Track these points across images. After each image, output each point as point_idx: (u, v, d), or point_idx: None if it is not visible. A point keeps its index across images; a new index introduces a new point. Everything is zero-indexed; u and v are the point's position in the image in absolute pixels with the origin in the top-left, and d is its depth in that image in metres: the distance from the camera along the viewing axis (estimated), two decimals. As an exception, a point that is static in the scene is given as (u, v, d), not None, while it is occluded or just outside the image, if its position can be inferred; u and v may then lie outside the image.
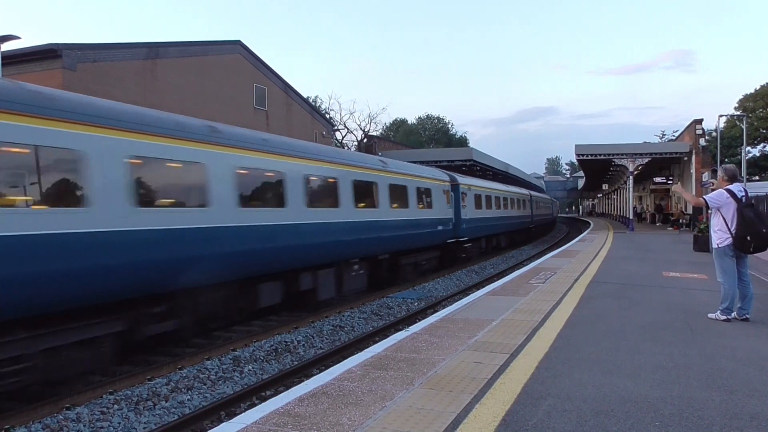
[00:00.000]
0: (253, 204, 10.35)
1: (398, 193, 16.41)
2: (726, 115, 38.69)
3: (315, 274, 12.29)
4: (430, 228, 18.85)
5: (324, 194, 12.83)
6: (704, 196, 8.03)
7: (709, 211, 8.49)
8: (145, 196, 8.20)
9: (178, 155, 8.78)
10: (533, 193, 44.76)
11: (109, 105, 8.32)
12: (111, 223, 7.50)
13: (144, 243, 7.96)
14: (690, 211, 34.78)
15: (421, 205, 18.12)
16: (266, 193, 10.97)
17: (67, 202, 7.18)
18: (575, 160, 65.51)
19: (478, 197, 24.91)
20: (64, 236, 6.88)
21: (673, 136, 73.81)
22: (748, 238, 7.49)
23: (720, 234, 7.77)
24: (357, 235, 13.83)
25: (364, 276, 14.72)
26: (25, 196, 6.74)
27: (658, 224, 40.15)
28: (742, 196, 7.66)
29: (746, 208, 7.57)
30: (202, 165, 9.18)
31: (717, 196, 7.77)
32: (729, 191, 7.71)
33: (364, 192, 14.39)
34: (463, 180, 23.72)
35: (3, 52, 18.57)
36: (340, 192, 13.12)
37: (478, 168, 39.22)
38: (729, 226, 7.63)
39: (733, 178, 7.93)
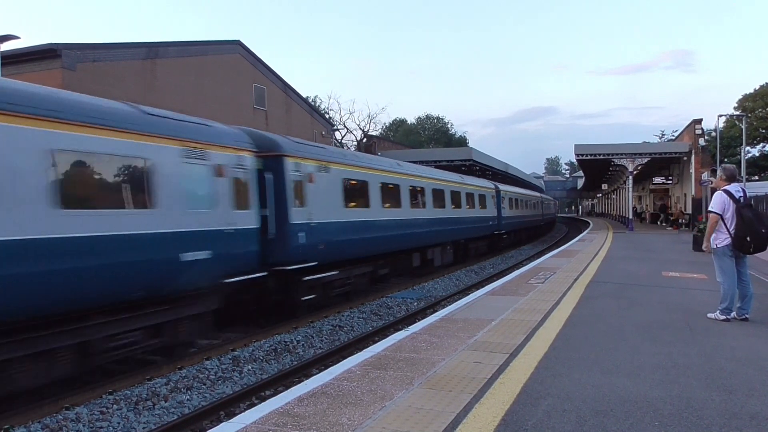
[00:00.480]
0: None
1: (471, 199, 24.96)
2: (725, 115, 38.90)
3: (432, 251, 19.83)
4: (485, 223, 26.96)
5: (438, 200, 20.63)
6: (711, 210, 7.86)
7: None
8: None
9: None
10: (543, 195, 50.79)
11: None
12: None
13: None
14: (689, 211, 34.81)
15: (482, 207, 26.44)
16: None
17: None
18: (575, 160, 65.50)
19: (511, 200, 32.94)
20: None
21: (673, 136, 73.83)
22: (748, 238, 7.47)
23: (718, 234, 7.77)
24: (452, 226, 21.77)
25: (452, 253, 22.36)
26: None
27: (664, 225, 39.94)
28: (740, 196, 7.65)
29: (745, 208, 7.56)
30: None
31: (719, 202, 7.70)
32: (726, 192, 7.70)
33: (456, 199, 22.71)
34: (503, 187, 31.73)
35: (2, 52, 18.58)
36: (445, 199, 21.39)
37: (478, 168, 39.20)
38: (728, 226, 7.63)
39: (731, 179, 7.92)
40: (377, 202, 15.18)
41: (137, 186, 8.03)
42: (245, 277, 9.92)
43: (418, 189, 18.49)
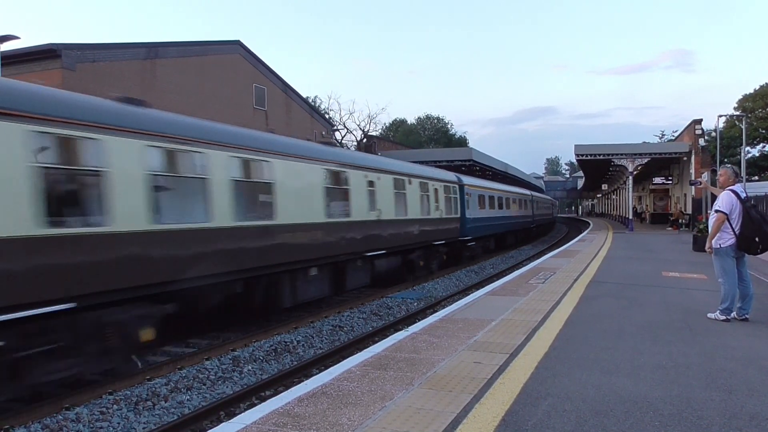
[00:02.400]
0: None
1: (519, 203, 31.73)
2: (725, 115, 38.72)
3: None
4: (441, 226, 23.53)
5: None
6: (719, 209, 7.72)
7: (709, 212, 8.45)
8: None
9: None
10: (535, 194, 50.81)
11: None
12: None
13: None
14: (689, 211, 34.79)
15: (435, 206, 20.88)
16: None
17: None
18: (575, 160, 65.52)
19: (482, 198, 28.52)
20: None
21: (673, 136, 73.86)
22: (757, 239, 7.41)
23: (722, 234, 7.70)
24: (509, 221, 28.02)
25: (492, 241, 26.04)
26: None
27: (670, 228, 39.82)
28: (745, 197, 7.64)
29: (752, 208, 7.53)
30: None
31: (727, 201, 7.61)
32: (734, 192, 7.65)
33: (500, 203, 26.93)
34: (468, 180, 26.14)
35: (2, 52, 18.58)
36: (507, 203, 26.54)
37: (478, 168, 39.21)
38: (733, 226, 7.57)
39: (735, 178, 7.92)
40: None
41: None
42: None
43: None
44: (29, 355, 6.55)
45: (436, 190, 19.82)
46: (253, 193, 10.65)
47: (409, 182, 17.48)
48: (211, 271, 9.11)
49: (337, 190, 13.11)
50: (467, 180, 24.37)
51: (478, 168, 39.15)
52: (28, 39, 66.16)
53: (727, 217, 7.58)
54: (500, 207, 29.77)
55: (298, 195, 11.52)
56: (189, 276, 8.63)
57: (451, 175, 22.72)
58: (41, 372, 6.74)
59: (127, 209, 7.75)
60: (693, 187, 29.03)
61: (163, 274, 8.28)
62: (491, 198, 27.60)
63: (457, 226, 21.89)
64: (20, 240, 6.43)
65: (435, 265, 19.99)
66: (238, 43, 31.53)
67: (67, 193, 7.57)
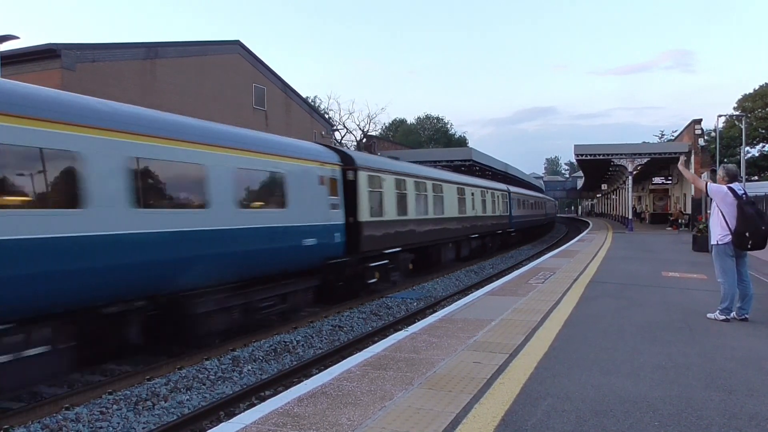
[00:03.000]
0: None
1: (539, 204, 36.09)
2: (725, 115, 38.89)
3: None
4: (501, 221, 31.85)
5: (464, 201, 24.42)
6: (708, 184, 7.99)
7: (709, 211, 8.48)
8: None
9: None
10: (545, 196, 55.67)
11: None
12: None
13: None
14: (689, 211, 34.80)
15: (498, 207, 30.74)
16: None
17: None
18: (574, 160, 65.50)
19: (519, 201, 37.70)
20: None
21: (673, 136, 73.86)
22: (747, 234, 7.49)
23: (719, 231, 7.77)
24: (475, 223, 25.67)
25: (476, 246, 26.18)
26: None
27: (669, 228, 39.78)
28: (742, 194, 7.67)
29: (747, 205, 7.58)
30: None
31: (717, 188, 7.79)
32: (730, 189, 7.71)
33: (529, 204, 33.40)
34: (513, 189, 36.50)
35: (2, 52, 18.56)
36: (474, 200, 25.38)
37: (477, 168, 39.20)
38: (728, 223, 7.63)
39: (733, 178, 7.93)
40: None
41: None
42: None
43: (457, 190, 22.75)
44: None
45: (498, 197, 30.36)
46: (437, 201, 20.20)
47: (488, 192, 28.02)
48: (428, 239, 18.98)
49: (461, 199, 23.21)
50: (513, 189, 35.02)
51: (477, 168, 39.14)
52: (28, 39, 66.19)
53: (706, 190, 8.10)
54: (530, 207, 41.59)
55: (451, 200, 21.77)
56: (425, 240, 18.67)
57: (503, 186, 34.14)
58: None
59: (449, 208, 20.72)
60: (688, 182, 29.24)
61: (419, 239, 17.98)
62: (525, 201, 38.54)
63: (507, 221, 32.03)
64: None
65: (495, 246, 30.04)
66: (237, 43, 31.52)
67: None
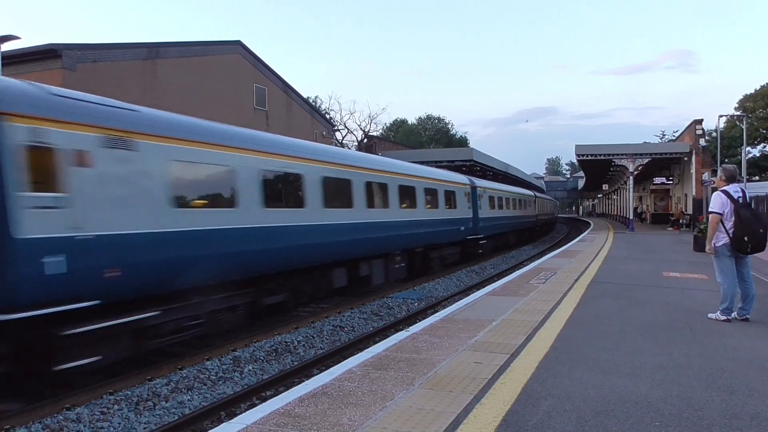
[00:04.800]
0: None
1: (434, 196, 28.02)
2: (726, 116, 38.67)
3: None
4: (455, 226, 28.20)
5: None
6: (712, 210, 7.88)
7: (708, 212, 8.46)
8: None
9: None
10: (538, 194, 54.77)
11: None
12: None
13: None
14: (690, 211, 34.78)
15: (449, 207, 26.23)
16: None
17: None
18: (575, 161, 65.54)
19: (492, 199, 34.57)
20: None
21: (673, 136, 73.82)
22: (746, 238, 7.49)
23: (716, 234, 7.77)
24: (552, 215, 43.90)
25: (404, 267, 23.48)
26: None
27: (670, 228, 39.80)
28: (739, 196, 7.66)
29: (743, 208, 7.57)
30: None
31: (718, 202, 7.72)
32: (725, 192, 7.71)
33: (547, 206, 42.22)
34: (480, 183, 31.95)
35: (3, 52, 18.57)
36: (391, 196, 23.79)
37: (478, 168, 39.19)
38: (725, 226, 7.64)
39: (731, 179, 7.93)
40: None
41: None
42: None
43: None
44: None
45: (531, 200, 41.05)
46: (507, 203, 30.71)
47: (533, 196, 42.23)
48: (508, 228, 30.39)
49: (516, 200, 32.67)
50: (480, 183, 32.54)
51: (478, 168, 39.13)
52: (29, 39, 66.15)
53: (721, 217, 7.67)
54: (511, 207, 40.02)
55: (514, 202, 33.22)
56: (505, 229, 30.43)
57: (531, 192, 43.75)
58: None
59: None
60: (705, 186, 29.30)
61: (502, 229, 30.01)
62: (501, 199, 37.03)
63: (533, 219, 41.88)
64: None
65: (527, 236, 39.42)
66: (238, 43, 31.54)
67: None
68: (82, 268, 6.96)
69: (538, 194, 49.46)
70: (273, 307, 11.60)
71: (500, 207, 30.28)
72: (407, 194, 17.18)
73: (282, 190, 11.50)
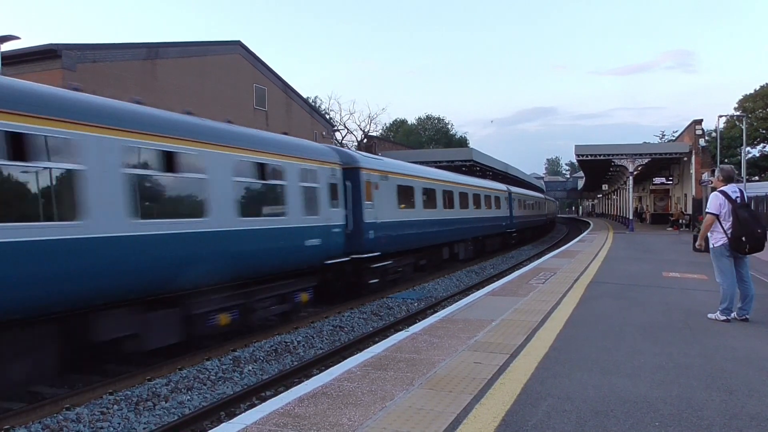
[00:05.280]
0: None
1: (489, 200, 29.44)
2: (726, 116, 38.69)
3: (457, 246, 23.95)
4: (499, 222, 32.34)
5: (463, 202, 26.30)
6: (708, 211, 7.91)
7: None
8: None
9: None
10: (545, 196, 57.90)
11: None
12: None
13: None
14: (690, 211, 34.79)
15: (497, 207, 32.01)
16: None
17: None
18: (575, 161, 65.53)
19: (519, 201, 39.87)
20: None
21: (673, 136, 73.82)
22: (744, 238, 7.50)
23: (715, 234, 7.79)
24: (473, 224, 26.60)
25: (472, 249, 26.61)
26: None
27: (670, 228, 39.80)
28: (737, 197, 7.66)
29: (741, 208, 7.58)
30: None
31: (715, 202, 7.74)
32: (723, 192, 7.72)
33: (477, 200, 26.73)
34: (513, 190, 37.50)
35: (3, 53, 18.57)
36: (469, 200, 25.50)
37: (478, 168, 39.18)
38: (723, 226, 7.65)
39: (728, 179, 7.94)
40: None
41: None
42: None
43: (447, 192, 21.92)
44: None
45: (543, 202, 48.58)
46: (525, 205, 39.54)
47: (543, 198, 52.08)
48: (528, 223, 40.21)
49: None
50: (513, 189, 37.12)
51: (478, 168, 39.12)
52: (29, 39, 66.19)
53: (717, 217, 7.72)
54: (530, 208, 44.83)
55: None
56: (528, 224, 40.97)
57: (542, 196, 54.73)
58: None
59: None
60: (703, 186, 29.35)
61: (526, 224, 40.19)
62: (524, 202, 41.66)
63: (544, 218, 50.17)
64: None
65: (539, 231, 46.98)
66: (238, 43, 31.54)
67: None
68: (378, 236, 14.90)
69: (547, 197, 60.55)
70: (423, 267, 19.51)
71: (524, 208, 39.17)
72: (476, 200, 25.70)
73: (429, 198, 19.43)
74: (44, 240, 6.68)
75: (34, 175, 6.76)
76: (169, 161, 8.58)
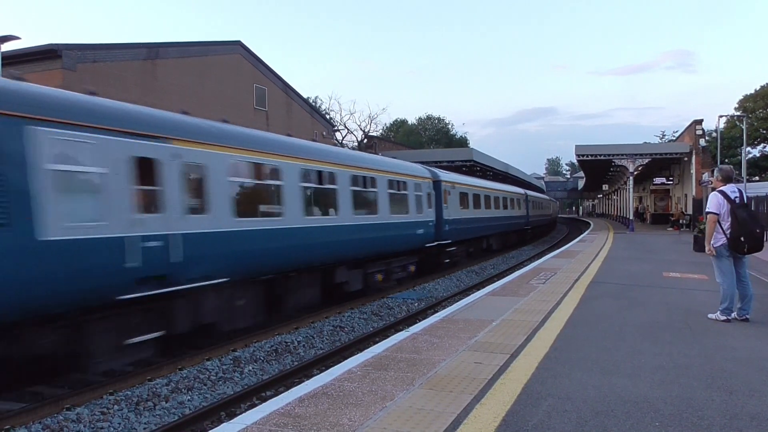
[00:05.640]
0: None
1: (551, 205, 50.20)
2: (726, 116, 38.66)
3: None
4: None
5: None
6: (709, 211, 7.90)
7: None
8: None
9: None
10: (529, 192, 53.35)
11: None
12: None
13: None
14: (690, 211, 34.78)
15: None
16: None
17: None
18: (575, 161, 65.55)
19: (463, 196, 40.65)
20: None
21: (673, 136, 73.76)
22: (742, 238, 7.50)
23: (714, 234, 7.78)
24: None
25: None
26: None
27: (670, 228, 39.81)
28: (736, 197, 7.66)
29: (740, 209, 7.58)
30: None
31: (714, 202, 7.74)
32: (722, 192, 7.72)
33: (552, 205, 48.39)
34: (446, 176, 35.66)
35: (3, 53, 18.56)
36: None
37: (479, 168, 39.18)
38: (723, 226, 7.65)
39: (727, 179, 7.94)
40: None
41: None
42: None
43: (486, 197, 27.52)
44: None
45: (548, 203, 55.34)
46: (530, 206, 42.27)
47: (549, 200, 59.99)
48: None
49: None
50: (445, 176, 42.35)
51: (478, 168, 39.12)
52: (29, 39, 66.13)
53: (718, 217, 7.69)
54: (492, 206, 46.20)
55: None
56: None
57: (549, 198, 60.21)
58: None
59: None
60: (703, 186, 29.39)
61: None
62: (477, 197, 45.29)
63: (549, 217, 54.57)
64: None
65: (546, 229, 52.88)
66: (238, 43, 31.53)
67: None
68: (450, 229, 20.13)
69: (552, 199, 65.60)
70: (470, 253, 24.51)
71: (536, 208, 43.56)
72: (505, 203, 30.89)
73: (476, 201, 24.47)
74: (276, 228, 10.89)
75: (265, 190, 11.09)
76: (363, 181, 14.56)
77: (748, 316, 7.84)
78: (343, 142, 57.93)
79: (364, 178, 14.36)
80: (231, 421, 4.49)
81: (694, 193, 33.68)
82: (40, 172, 6.73)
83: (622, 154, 35.06)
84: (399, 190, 16.52)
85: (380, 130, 69.49)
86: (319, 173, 12.36)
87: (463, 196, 22.80)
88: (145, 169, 8.11)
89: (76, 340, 7.47)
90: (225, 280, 9.32)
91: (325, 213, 12.65)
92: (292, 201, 11.29)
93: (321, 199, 12.61)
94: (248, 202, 10.38)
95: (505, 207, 31.12)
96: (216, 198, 9.28)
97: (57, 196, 6.88)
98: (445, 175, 21.52)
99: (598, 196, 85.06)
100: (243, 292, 10.14)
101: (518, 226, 35.45)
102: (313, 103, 50.81)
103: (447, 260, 20.55)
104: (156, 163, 8.27)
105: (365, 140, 48.24)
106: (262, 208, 10.82)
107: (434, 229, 18.92)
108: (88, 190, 7.46)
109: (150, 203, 8.19)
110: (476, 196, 25.00)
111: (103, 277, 7.39)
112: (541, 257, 21.29)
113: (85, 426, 6.63)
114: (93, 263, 7.24)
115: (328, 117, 49.20)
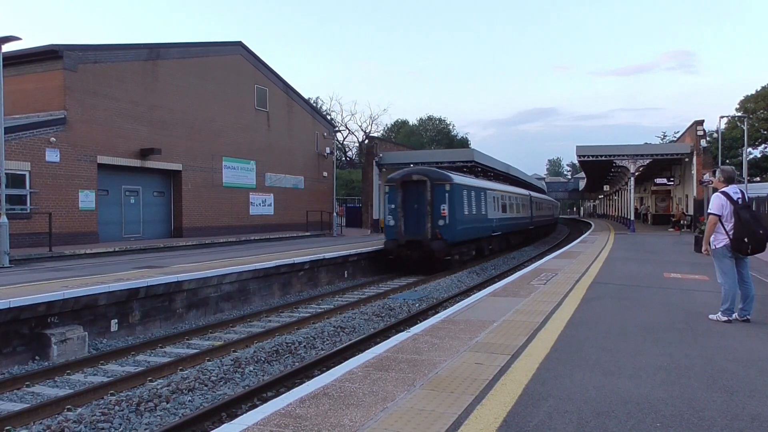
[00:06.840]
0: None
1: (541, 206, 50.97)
2: (727, 116, 38.71)
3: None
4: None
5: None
6: (710, 212, 7.89)
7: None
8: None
9: None
10: (533, 194, 53.03)
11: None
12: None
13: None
14: (691, 212, 34.77)
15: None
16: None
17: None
18: (576, 161, 65.56)
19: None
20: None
21: (674, 137, 73.75)
22: (746, 239, 7.50)
23: (716, 235, 7.78)
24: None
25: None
26: None
27: (671, 229, 39.80)
28: (738, 198, 7.66)
29: (743, 210, 7.58)
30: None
31: (717, 203, 7.73)
32: (724, 193, 7.72)
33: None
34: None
35: (4, 53, 18.60)
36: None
37: (479, 169, 39.15)
38: (725, 227, 7.65)
39: (729, 180, 7.93)
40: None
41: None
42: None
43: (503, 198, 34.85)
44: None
45: (555, 204, 62.07)
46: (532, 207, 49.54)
47: (555, 201, 69.58)
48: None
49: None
50: (550, 197, 53.24)
51: (480, 169, 39.10)
52: (30, 40, 66.14)
53: (719, 218, 7.69)
54: (557, 209, 58.66)
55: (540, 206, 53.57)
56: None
57: (548, 197, 60.06)
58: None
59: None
60: (704, 186, 29.54)
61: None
62: (556, 205, 53.66)
63: (551, 218, 56.82)
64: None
65: (553, 226, 63.45)
66: (239, 44, 31.57)
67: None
68: (497, 225, 31.04)
69: (553, 200, 69.71)
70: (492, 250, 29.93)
71: (538, 209, 46.21)
72: (539, 205, 41.39)
73: (502, 204, 30.68)
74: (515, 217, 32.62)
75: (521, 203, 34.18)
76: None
77: (749, 317, 7.84)
78: (345, 142, 57.98)
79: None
80: (232, 421, 4.48)
81: (695, 193, 33.67)
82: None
83: (623, 155, 35.06)
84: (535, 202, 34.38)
85: (381, 131, 69.63)
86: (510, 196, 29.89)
87: (497, 199, 29.88)
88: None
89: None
90: (500, 233, 28.81)
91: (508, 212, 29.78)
92: (512, 208, 29.32)
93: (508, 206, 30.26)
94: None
95: (516, 210, 36.38)
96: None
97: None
98: (490, 185, 29.76)
99: (599, 196, 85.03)
100: (499, 240, 29.39)
101: (524, 226, 38.76)
102: (314, 104, 50.85)
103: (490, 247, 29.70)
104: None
105: (366, 141, 48.23)
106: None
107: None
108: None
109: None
110: (503, 198, 31.67)
111: (486, 230, 26.50)
112: (542, 258, 21.29)
113: (86, 426, 6.63)
114: (485, 226, 26.22)
115: (329, 118, 49.25)
